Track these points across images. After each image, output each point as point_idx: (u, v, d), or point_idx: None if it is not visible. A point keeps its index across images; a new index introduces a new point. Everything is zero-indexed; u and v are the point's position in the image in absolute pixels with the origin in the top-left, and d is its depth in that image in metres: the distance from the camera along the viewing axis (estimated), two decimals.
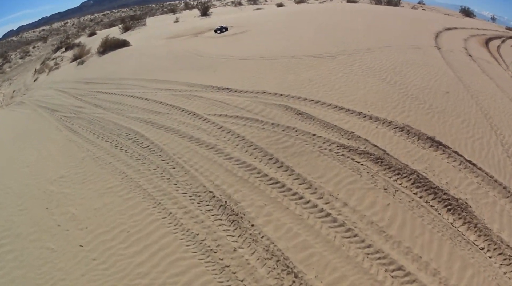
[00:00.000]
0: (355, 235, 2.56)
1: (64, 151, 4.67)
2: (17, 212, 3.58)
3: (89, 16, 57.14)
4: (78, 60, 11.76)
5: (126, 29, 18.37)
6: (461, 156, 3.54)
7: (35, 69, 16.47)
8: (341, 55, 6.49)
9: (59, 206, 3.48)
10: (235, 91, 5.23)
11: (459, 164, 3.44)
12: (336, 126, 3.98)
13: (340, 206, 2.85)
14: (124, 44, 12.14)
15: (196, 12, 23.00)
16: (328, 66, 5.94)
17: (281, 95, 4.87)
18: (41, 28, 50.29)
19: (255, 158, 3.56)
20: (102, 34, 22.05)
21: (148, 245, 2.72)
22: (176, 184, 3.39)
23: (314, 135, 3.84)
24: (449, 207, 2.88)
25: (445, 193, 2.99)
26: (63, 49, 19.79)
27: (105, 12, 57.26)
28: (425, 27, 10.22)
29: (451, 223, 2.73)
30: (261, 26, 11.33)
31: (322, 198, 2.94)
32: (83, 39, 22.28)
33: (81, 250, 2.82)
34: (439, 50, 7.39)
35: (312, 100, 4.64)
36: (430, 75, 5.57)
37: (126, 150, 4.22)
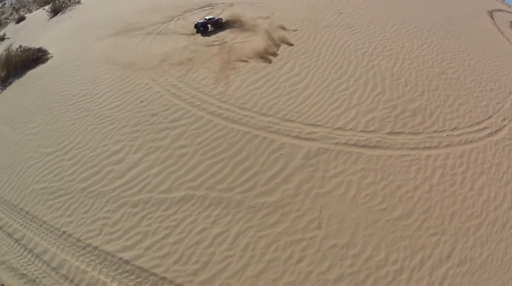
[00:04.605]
0: None
1: None
2: None
3: None
4: None
5: (55, 11, 13.44)
6: None
7: None
8: None
9: None
10: None
11: None
12: None
13: None
14: (38, 58, 8.00)
15: None
16: None
17: None
18: None
19: None
20: (30, 18, 16.95)
21: None
22: None
23: None
24: None
25: None
26: None
27: None
28: None
29: None
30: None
31: None
32: (10, 27, 17.26)
33: None
34: None
35: None
36: None
37: None
